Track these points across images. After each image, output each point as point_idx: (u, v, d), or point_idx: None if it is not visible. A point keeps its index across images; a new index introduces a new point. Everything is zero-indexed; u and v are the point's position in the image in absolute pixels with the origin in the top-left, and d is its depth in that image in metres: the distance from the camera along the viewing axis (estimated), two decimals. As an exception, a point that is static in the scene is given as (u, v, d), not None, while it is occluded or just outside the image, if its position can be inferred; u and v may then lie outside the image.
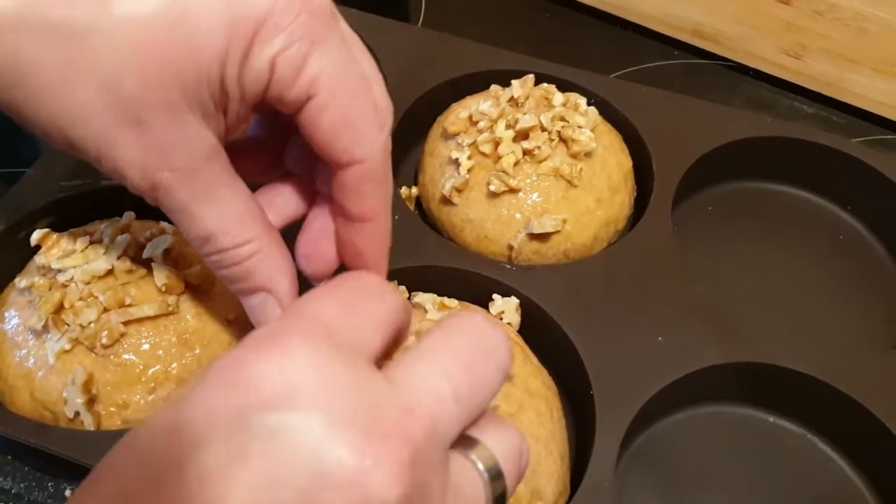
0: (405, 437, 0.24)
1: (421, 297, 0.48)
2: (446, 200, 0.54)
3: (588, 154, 0.53)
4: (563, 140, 0.53)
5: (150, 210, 0.50)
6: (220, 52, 0.33)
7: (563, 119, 0.53)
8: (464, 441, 0.27)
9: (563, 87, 0.57)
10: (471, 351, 0.27)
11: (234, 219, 0.37)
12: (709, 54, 0.72)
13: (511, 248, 0.53)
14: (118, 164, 0.35)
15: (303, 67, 0.34)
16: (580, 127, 0.53)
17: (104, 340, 0.44)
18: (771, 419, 0.50)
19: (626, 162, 0.56)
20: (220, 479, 0.22)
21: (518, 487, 0.41)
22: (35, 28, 0.33)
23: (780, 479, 0.48)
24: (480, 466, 0.27)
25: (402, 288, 0.49)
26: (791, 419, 0.50)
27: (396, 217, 0.52)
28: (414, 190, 0.57)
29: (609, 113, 0.58)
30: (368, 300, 0.28)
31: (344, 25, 0.37)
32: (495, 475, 0.27)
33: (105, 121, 0.34)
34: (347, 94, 0.35)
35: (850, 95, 0.68)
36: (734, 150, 0.58)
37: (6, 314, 0.47)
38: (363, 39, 0.61)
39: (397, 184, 0.55)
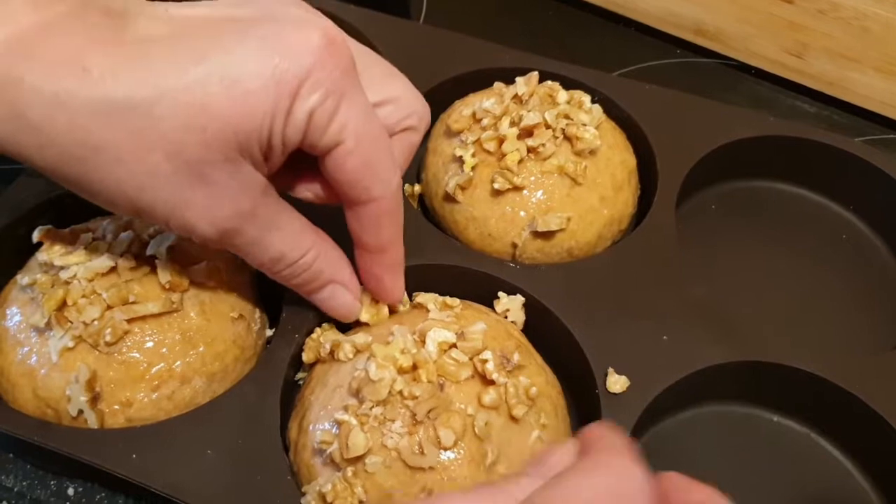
0: None
1: (423, 297, 0.48)
2: (450, 198, 0.54)
3: (592, 152, 0.53)
4: (567, 138, 0.53)
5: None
6: (270, 110, 0.36)
7: (567, 117, 0.53)
8: None
9: (567, 84, 0.57)
10: None
11: (295, 236, 0.42)
12: (710, 53, 0.72)
13: (515, 245, 0.52)
14: (189, 222, 0.38)
15: (334, 118, 0.37)
16: (584, 125, 0.53)
17: (108, 338, 0.43)
18: (775, 418, 0.50)
19: (630, 160, 0.56)
20: None
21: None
22: (103, 109, 0.35)
23: (784, 478, 0.48)
24: None
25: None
26: (795, 418, 0.50)
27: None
28: (417, 187, 0.57)
29: (613, 111, 0.58)
30: None
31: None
32: None
33: (174, 183, 0.37)
34: (369, 141, 0.39)
35: (851, 95, 0.68)
36: (738, 148, 0.58)
37: (8, 311, 0.46)
38: (366, 36, 0.61)
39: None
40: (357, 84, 0.39)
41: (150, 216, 0.38)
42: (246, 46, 0.36)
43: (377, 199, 0.41)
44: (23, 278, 0.46)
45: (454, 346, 0.43)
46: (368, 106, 0.39)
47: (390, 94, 0.42)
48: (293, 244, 0.42)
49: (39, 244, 0.47)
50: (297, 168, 0.43)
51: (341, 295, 0.45)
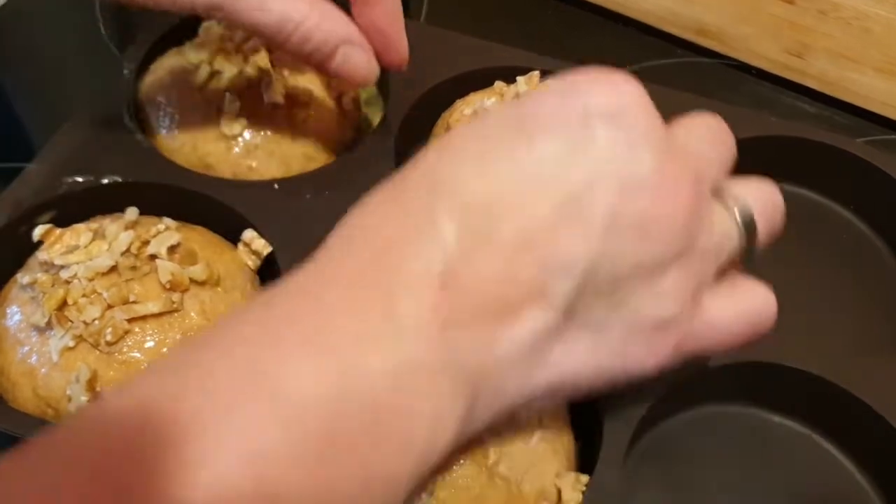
0: (692, 167, 0.33)
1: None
2: (451, 198, 0.53)
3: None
4: None
5: (152, 208, 0.50)
6: None
7: None
8: (723, 192, 0.36)
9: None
10: (718, 131, 0.39)
11: None
12: (711, 53, 0.72)
13: (516, 245, 0.52)
14: None
15: None
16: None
17: (108, 338, 0.43)
18: (776, 419, 0.50)
19: (631, 160, 0.56)
20: (564, 163, 0.30)
21: (523, 488, 0.41)
22: None
23: (785, 480, 0.48)
24: (736, 214, 0.36)
25: None
26: (797, 419, 0.50)
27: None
28: (418, 187, 0.57)
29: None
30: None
31: None
32: (748, 222, 0.36)
33: None
34: None
35: (852, 95, 0.68)
36: (739, 148, 0.57)
37: (8, 310, 0.46)
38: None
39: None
40: None
41: None
42: None
43: None
44: (23, 277, 0.46)
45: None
46: None
47: None
48: (290, 4, 0.43)
49: (39, 243, 0.47)
50: None
51: (356, 54, 0.46)
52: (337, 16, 0.45)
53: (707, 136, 0.37)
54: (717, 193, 0.36)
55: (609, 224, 0.30)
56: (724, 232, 0.35)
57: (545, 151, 0.30)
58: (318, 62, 0.45)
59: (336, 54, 0.45)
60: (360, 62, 0.46)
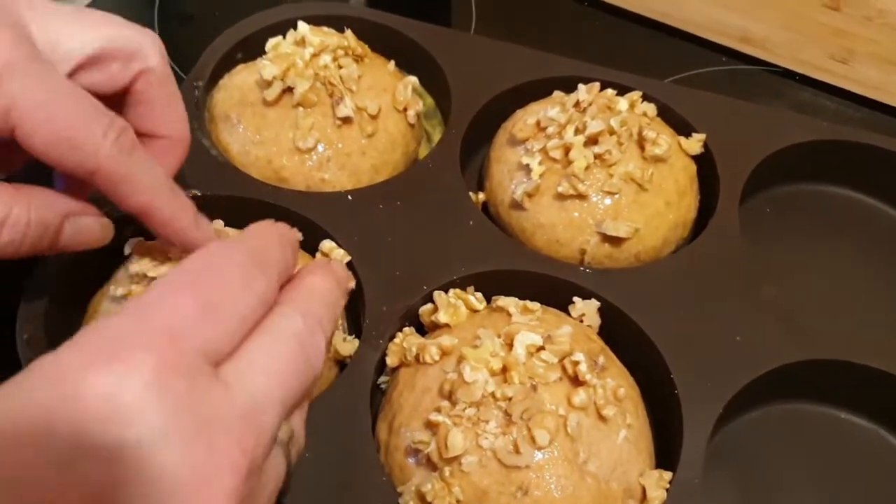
0: (242, 449, 0.25)
1: (504, 301, 0.49)
2: (516, 205, 0.55)
3: (660, 159, 0.54)
4: (641, 139, 0.54)
5: (230, 220, 0.51)
6: None
7: (645, 115, 0.56)
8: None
9: (623, 92, 0.58)
10: (296, 362, 0.29)
11: None
12: (755, 60, 0.74)
13: (583, 252, 0.54)
14: None
15: None
16: (658, 133, 0.54)
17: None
18: (843, 416, 0.51)
19: (691, 166, 0.57)
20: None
21: (611, 486, 0.42)
22: None
23: (852, 475, 0.49)
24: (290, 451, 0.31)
25: (471, 289, 0.50)
26: (863, 415, 0.51)
27: (471, 223, 0.54)
28: (481, 195, 0.58)
29: (670, 117, 0.59)
30: (234, 291, 0.28)
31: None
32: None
33: None
34: (52, 113, 0.35)
35: (896, 99, 0.69)
36: (795, 153, 0.59)
37: (99, 322, 0.47)
38: (426, 50, 0.62)
39: (466, 188, 0.56)
40: (22, 52, 0.35)
41: None
42: None
43: (90, 171, 0.36)
44: (115, 290, 0.47)
45: (542, 348, 0.44)
46: (41, 68, 0.36)
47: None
48: None
49: (122, 255, 0.48)
50: None
51: (84, 222, 0.41)
52: (48, 198, 0.38)
53: (286, 375, 0.29)
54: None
55: None
56: (276, 476, 0.30)
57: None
58: (46, 250, 0.39)
59: (63, 235, 0.39)
60: (90, 227, 0.41)
